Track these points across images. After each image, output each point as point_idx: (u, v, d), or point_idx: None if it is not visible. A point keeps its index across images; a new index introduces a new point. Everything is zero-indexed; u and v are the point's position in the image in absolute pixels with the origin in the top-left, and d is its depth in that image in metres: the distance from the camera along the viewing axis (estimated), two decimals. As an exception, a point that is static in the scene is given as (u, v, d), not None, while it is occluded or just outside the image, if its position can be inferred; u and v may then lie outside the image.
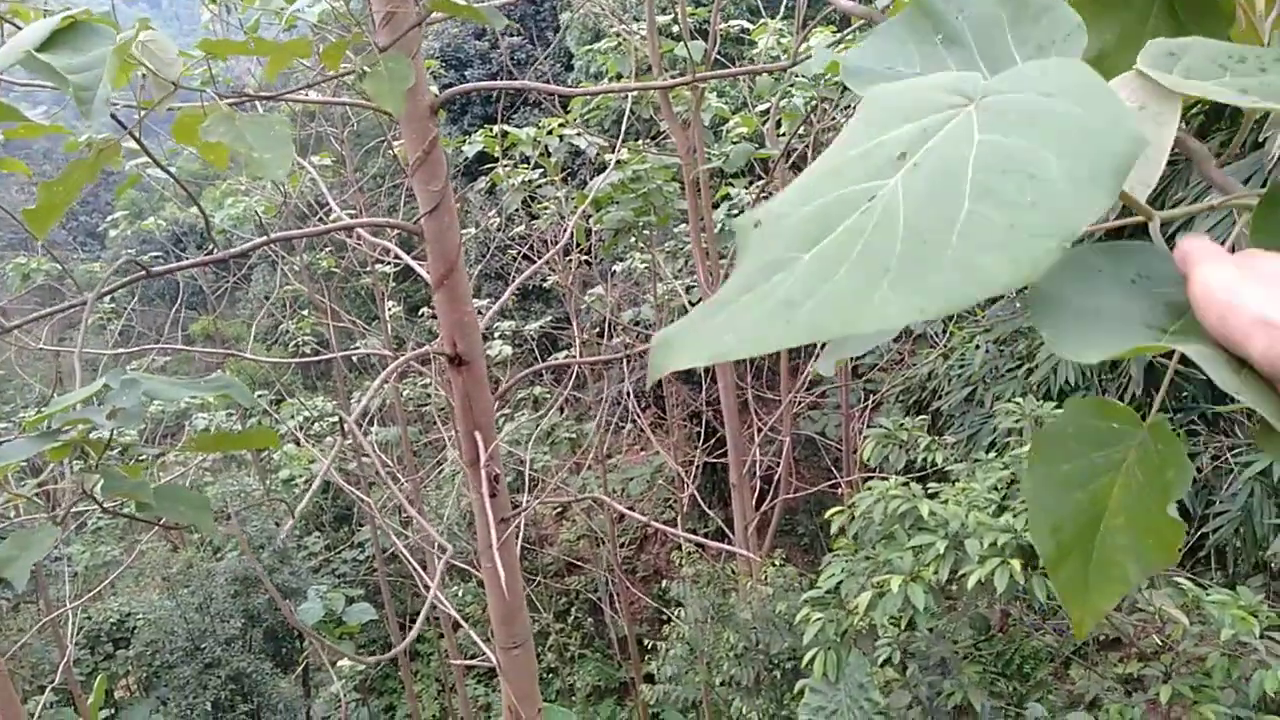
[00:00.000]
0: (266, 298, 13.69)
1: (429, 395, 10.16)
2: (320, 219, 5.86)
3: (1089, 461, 0.57)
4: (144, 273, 2.05)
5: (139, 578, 10.56)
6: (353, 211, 7.40)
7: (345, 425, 1.80)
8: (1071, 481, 0.57)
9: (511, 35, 13.65)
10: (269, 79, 1.34)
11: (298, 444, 9.10)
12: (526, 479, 4.47)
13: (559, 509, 11.65)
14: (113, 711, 8.92)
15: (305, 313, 9.99)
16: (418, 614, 11.10)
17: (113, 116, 1.81)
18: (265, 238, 2.12)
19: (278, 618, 9.21)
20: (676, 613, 6.63)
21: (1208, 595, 3.53)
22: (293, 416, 9.45)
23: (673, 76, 6.07)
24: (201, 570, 9.10)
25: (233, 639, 8.74)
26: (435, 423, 12.15)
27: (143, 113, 1.10)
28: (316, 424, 10.04)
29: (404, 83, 1.32)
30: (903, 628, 4.02)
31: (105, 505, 1.43)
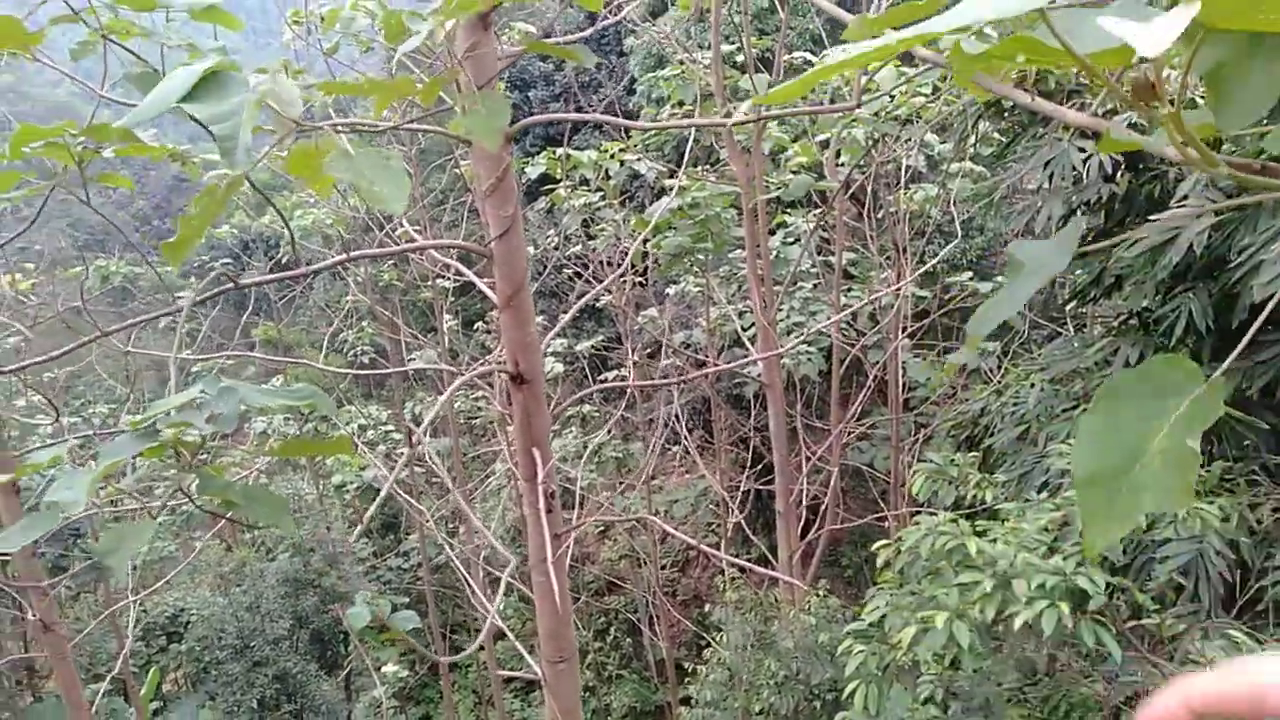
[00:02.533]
0: (326, 306, 14.06)
1: (480, 409, 10.33)
2: (387, 233, 6.05)
3: (1147, 407, 0.64)
4: (232, 285, 2.18)
5: (193, 573, 10.87)
6: (419, 228, 7.59)
7: (414, 437, 1.89)
8: (1127, 424, 0.64)
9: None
10: (376, 115, 1.44)
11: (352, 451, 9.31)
12: (576, 497, 4.55)
13: (602, 528, 11.71)
14: (161, 704, 9.17)
15: (365, 324, 10.24)
16: (460, 623, 11.23)
17: (206, 129, 1.94)
18: (345, 255, 2.23)
19: (325, 620, 9.39)
20: (716, 637, 6.62)
21: (1262, 649, 3.45)
22: (347, 424, 9.68)
23: (736, 105, 6.15)
24: (254, 570, 9.34)
25: (280, 639, 8.94)
26: (484, 436, 12.33)
27: (263, 150, 1.20)
28: (369, 431, 10.26)
29: (501, 119, 1.41)
30: (946, 665, 3.99)
31: (197, 502, 1.53)
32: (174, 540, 11.11)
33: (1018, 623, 3.45)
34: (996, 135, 6.42)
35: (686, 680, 7.86)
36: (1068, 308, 7.66)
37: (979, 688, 4.07)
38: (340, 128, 2.06)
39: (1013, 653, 4.47)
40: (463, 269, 3.17)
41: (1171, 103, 0.57)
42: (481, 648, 9.77)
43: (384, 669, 6.68)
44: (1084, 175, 5.18)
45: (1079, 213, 5.43)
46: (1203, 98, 0.60)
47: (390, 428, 10.50)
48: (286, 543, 10.03)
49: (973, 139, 6.41)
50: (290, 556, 9.76)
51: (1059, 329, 8.09)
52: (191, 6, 1.57)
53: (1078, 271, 5.89)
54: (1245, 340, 1.01)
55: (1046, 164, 5.19)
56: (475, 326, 11.33)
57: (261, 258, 14.34)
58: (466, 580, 3.28)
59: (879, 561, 4.58)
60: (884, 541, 4.62)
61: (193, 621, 9.26)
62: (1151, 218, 4.93)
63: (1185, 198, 4.54)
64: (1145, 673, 4.28)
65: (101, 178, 2.10)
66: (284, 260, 10.64)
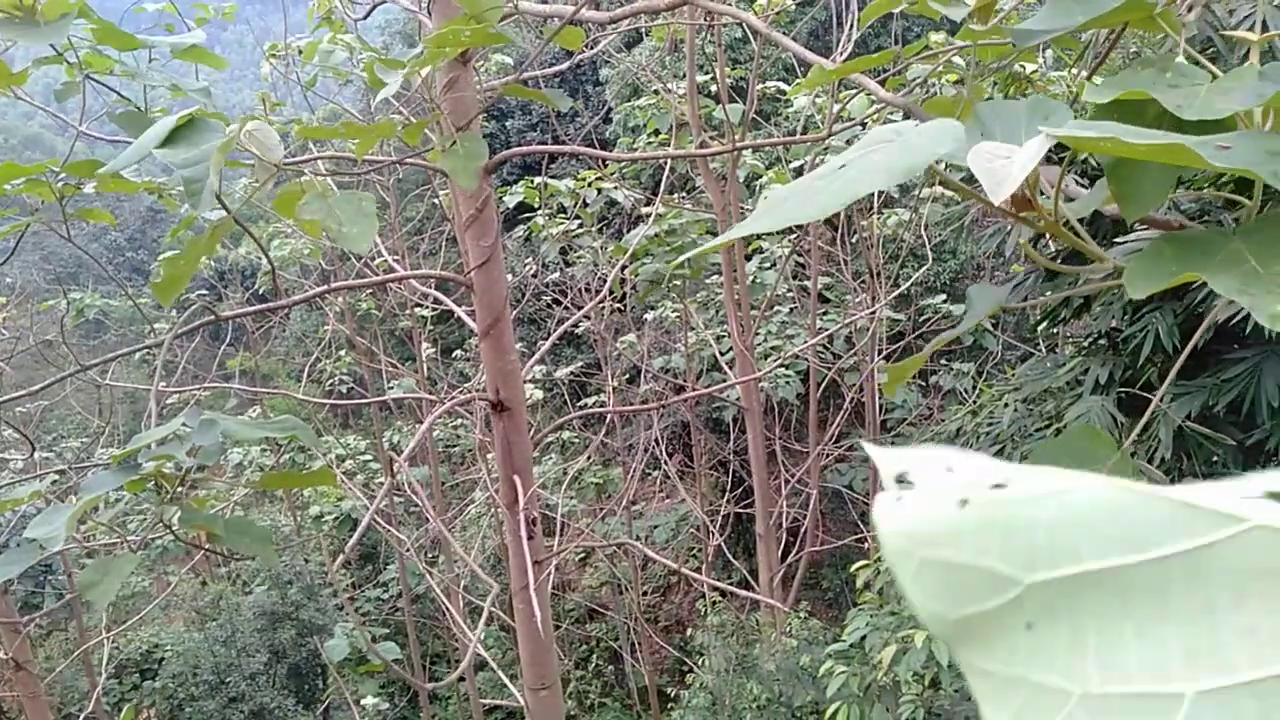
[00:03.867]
0: (303, 336, 13.99)
1: (459, 437, 10.29)
2: (365, 263, 6.06)
3: None
4: (214, 317, 2.19)
5: (167, 609, 10.70)
6: (397, 257, 7.61)
7: (395, 465, 1.90)
8: None
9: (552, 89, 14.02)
10: (358, 156, 1.47)
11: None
12: (557, 523, 4.55)
13: (582, 555, 11.66)
14: (134, 743, 8.98)
15: (342, 353, 10.21)
16: (440, 654, 11.11)
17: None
18: (326, 286, 2.25)
19: (302, 654, 9.26)
20: (698, 662, 6.61)
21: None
22: (325, 454, 9.61)
23: (711, 134, 6.25)
24: (230, 604, 9.21)
25: (257, 674, 8.81)
26: (462, 464, 12.27)
27: (251, 193, 1.23)
28: (347, 461, 10.18)
29: (478, 160, 1.45)
30: (926, 685, 4.02)
31: (179, 535, 1.54)
32: (147, 576, 10.93)
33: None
34: (966, 190, 6.54)
35: (669, 706, 7.82)
36: (1039, 329, 7.77)
37: (959, 707, 4.09)
38: (320, 162, 2.09)
39: (993, 672, 4.49)
40: (442, 298, 3.20)
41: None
42: (462, 678, 9.68)
43: (363, 701, 6.60)
44: (1051, 199, 5.31)
45: (1046, 236, 5.54)
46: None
47: (368, 457, 10.43)
48: (263, 575, 9.89)
49: (943, 164, 6.53)
50: (267, 589, 9.63)
51: (1032, 349, 8.21)
52: (174, 46, 1.60)
53: (1048, 293, 5.99)
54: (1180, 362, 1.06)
55: (1014, 189, 5.30)
56: (454, 354, 11.31)
57: (238, 288, 14.27)
58: (447, 609, 3.28)
59: (859, 582, 4.62)
60: (863, 562, 4.66)
61: (167, 658, 9.10)
62: (1117, 240, 5.04)
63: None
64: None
65: (81, 213, 2.11)
66: (261, 291, 10.59)
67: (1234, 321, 4.50)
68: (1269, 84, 0.60)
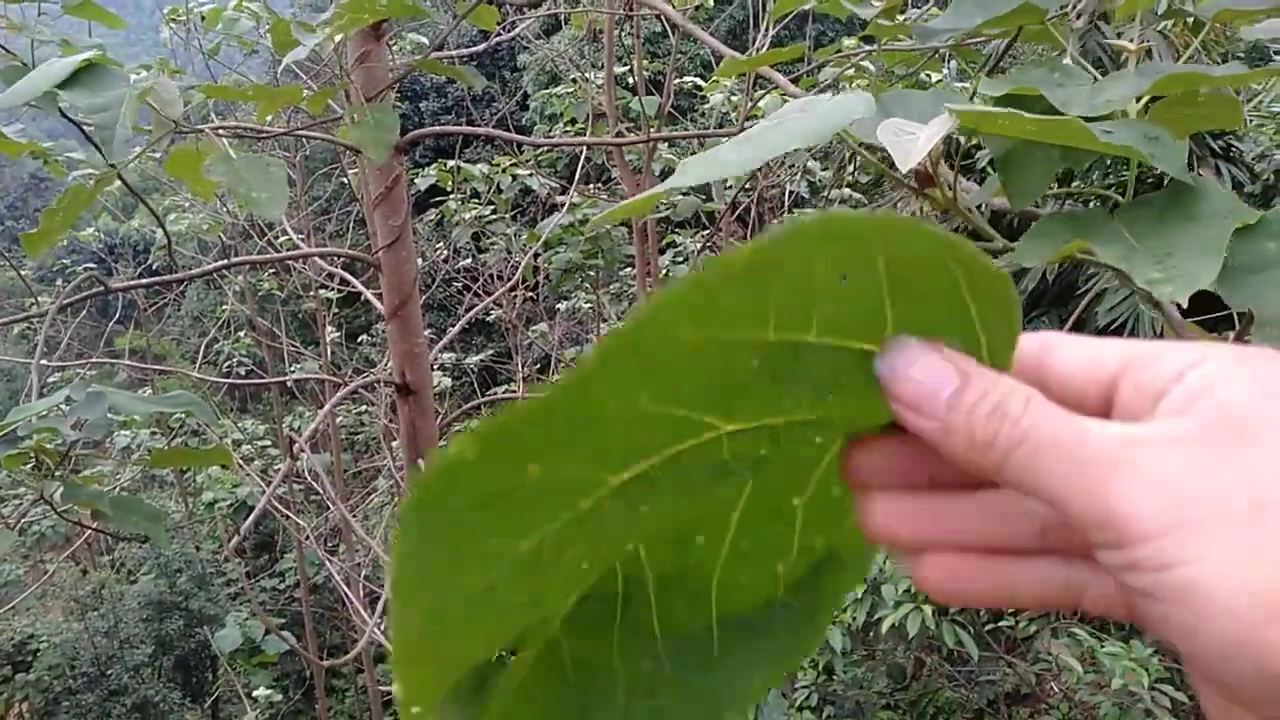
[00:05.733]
0: (200, 316, 13.42)
1: (363, 424, 10.05)
2: (269, 240, 5.86)
3: None
4: (102, 289, 2.09)
5: (43, 598, 10.14)
6: (302, 236, 7.38)
7: (296, 446, 1.86)
8: None
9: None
10: (260, 120, 1.43)
11: (224, 467, 8.90)
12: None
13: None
14: (4, 739, 8.51)
15: (242, 334, 9.84)
16: (338, 645, 10.84)
17: (84, 135, 1.87)
18: (226, 261, 2.18)
19: (189, 645, 8.93)
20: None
21: (1102, 647, 3.74)
22: (222, 438, 9.26)
23: (628, 126, 6.26)
24: (113, 593, 8.81)
25: (141, 666, 8.45)
26: (365, 452, 12.00)
27: (139, 149, 1.18)
28: (244, 447, 9.82)
29: (390, 133, 1.43)
30: (821, 670, 4.15)
31: (61, 512, 1.48)
32: (22, 564, 10.33)
33: (885, 625, 3.63)
34: (874, 162, 6.75)
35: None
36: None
37: (850, 692, 4.25)
38: (221, 131, 2.03)
39: (884, 660, 4.68)
40: (349, 278, 3.13)
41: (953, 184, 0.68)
42: (360, 670, 9.49)
43: (255, 693, 6.40)
44: (951, 205, 5.54)
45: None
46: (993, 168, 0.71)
47: (267, 443, 10.09)
48: (149, 564, 9.48)
49: (851, 167, 6.73)
50: (154, 578, 9.24)
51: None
52: (66, 1, 1.52)
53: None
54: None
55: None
56: (359, 339, 11.03)
57: (129, 263, 13.57)
58: (347, 597, 3.22)
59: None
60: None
61: (43, 649, 8.63)
62: (1011, 244, 5.30)
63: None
64: (1002, 673, 4.56)
65: (-41, 173, 1.99)
66: (154, 266, 10.11)
67: (1113, 326, 4.79)
68: (1144, 80, 0.66)
